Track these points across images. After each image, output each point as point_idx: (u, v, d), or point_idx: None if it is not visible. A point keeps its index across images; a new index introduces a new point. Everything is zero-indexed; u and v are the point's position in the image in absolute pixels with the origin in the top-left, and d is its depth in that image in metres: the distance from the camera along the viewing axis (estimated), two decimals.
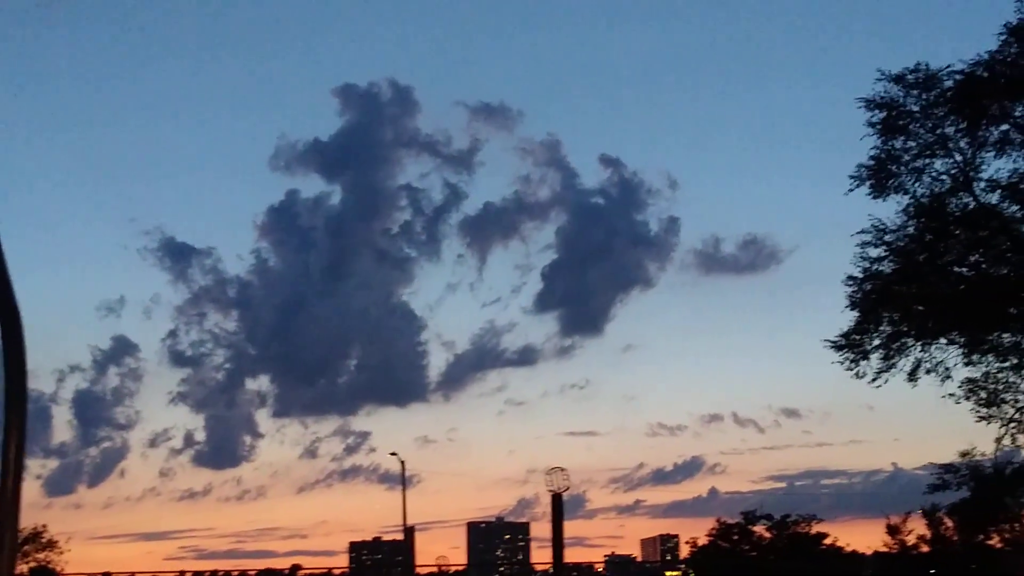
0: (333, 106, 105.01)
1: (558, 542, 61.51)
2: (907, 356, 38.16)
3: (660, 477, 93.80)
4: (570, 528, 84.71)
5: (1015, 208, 37.28)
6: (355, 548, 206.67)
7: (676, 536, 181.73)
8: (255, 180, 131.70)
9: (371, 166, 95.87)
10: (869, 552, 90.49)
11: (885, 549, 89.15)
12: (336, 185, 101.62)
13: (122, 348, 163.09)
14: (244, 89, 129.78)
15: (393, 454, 75.27)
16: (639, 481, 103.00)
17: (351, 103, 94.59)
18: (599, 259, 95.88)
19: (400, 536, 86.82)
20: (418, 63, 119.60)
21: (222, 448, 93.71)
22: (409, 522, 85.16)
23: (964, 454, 40.33)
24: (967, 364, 38.66)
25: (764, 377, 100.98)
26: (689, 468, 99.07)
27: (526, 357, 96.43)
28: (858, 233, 37.40)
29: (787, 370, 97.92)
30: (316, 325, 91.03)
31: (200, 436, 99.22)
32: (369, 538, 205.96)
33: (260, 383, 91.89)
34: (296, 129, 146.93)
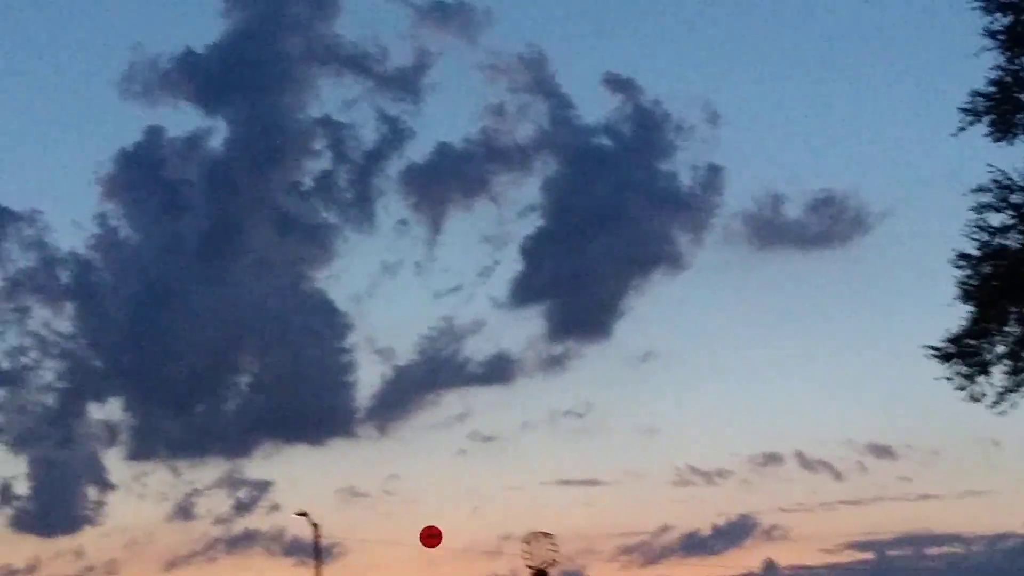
0: (213, 3, 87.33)
1: None
2: None
3: (693, 544, 76.55)
4: None
5: None
6: None
7: None
8: (98, 113, 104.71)
9: (270, 91, 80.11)
10: None
11: None
12: (218, 119, 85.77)
13: None
14: None
15: (303, 514, 61.64)
16: (662, 551, 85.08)
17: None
18: (605, 228, 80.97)
19: None
20: None
21: (54, 506, 76.74)
22: None
23: None
24: None
25: (843, 400, 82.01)
26: (735, 531, 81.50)
27: (499, 371, 79.26)
28: (974, 192, 31.13)
29: (876, 390, 79.30)
30: (190, 325, 75.60)
31: (21, 488, 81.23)
32: None
33: (109, 410, 76.57)
34: (159, 38, 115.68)
